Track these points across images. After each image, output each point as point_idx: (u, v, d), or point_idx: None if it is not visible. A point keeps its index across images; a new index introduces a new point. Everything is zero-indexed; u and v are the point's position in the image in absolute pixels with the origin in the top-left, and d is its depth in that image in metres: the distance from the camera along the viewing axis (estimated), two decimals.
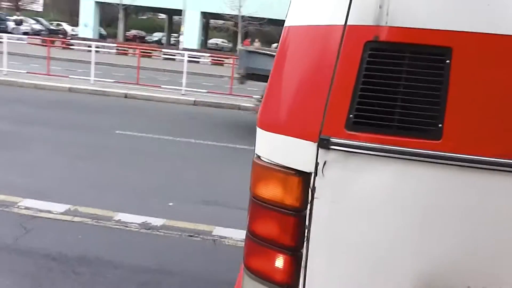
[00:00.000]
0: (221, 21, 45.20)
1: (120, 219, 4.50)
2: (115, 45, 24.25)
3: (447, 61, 1.27)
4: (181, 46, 32.23)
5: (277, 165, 1.48)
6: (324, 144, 1.36)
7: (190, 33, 34.21)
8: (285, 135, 1.45)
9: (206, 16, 39.32)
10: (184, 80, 14.08)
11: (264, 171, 1.52)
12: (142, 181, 5.86)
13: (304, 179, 1.42)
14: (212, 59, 24.26)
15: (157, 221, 4.52)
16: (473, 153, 1.26)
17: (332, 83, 1.36)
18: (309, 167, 1.40)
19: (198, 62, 23.75)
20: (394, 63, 1.30)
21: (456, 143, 1.27)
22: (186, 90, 14.03)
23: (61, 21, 45.18)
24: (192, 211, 4.92)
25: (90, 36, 34.86)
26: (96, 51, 14.65)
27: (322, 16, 1.43)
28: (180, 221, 4.57)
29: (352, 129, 1.34)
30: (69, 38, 31.85)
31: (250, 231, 1.60)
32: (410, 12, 1.29)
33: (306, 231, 1.44)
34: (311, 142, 1.39)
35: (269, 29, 46.07)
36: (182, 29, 33.83)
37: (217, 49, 44.84)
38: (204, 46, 42.29)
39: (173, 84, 15.06)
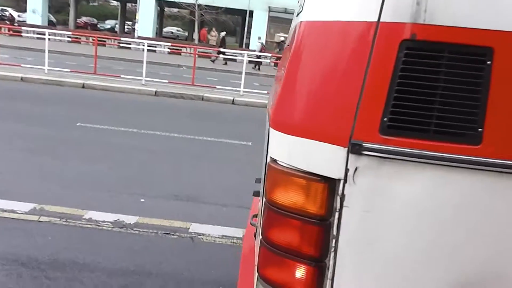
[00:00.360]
0: (175, 9, 44.35)
1: (90, 218, 4.27)
2: (70, 33, 23.24)
3: (488, 62, 1.21)
4: (136, 34, 31.41)
5: (298, 170, 1.37)
6: (355, 149, 1.27)
7: (145, 21, 33.30)
8: (308, 138, 1.34)
9: (161, 4, 38.41)
10: (144, 70, 13.67)
11: (282, 176, 1.41)
12: (109, 176, 5.61)
13: (330, 185, 1.32)
14: (171, 48, 23.76)
15: (130, 219, 4.33)
16: None
17: (364, 84, 1.27)
18: (337, 173, 1.31)
19: (155, 51, 23.22)
20: (432, 64, 1.23)
21: (496, 148, 1.22)
22: (146, 80, 13.63)
23: (6, 7, 42.94)
24: (166, 207, 4.75)
25: (39, 23, 33.22)
26: (48, 39, 13.93)
27: (350, 12, 1.33)
28: (154, 218, 4.40)
29: (387, 134, 1.26)
30: (17, 24, 30.26)
31: (266, 239, 1.48)
32: (450, 10, 1.22)
33: (334, 241, 1.35)
34: (340, 147, 1.29)
35: (225, 18, 45.79)
36: (137, 16, 32.94)
37: (172, 37, 44.03)
38: (159, 34, 41.41)
39: (131, 73, 14.57)
